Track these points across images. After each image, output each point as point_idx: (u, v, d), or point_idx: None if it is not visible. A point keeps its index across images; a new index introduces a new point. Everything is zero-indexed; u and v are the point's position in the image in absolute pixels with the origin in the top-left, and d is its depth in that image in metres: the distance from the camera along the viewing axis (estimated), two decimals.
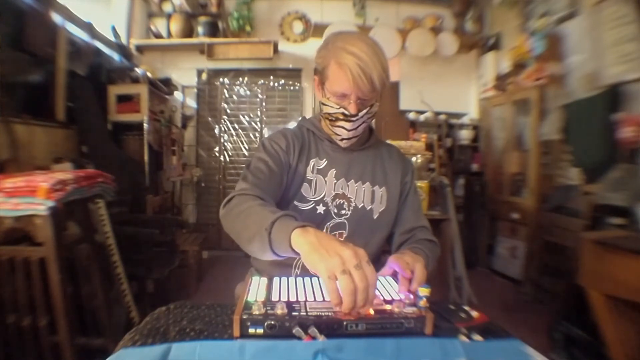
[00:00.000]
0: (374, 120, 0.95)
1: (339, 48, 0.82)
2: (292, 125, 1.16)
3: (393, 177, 0.98)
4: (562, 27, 2.77)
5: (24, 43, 1.99)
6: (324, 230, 0.90)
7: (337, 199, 0.92)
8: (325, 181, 0.92)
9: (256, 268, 0.99)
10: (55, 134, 2.24)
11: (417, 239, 0.93)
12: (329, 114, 0.89)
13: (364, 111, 0.85)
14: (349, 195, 0.93)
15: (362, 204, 0.93)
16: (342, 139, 0.91)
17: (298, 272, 0.91)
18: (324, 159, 0.94)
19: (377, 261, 1.00)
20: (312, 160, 0.93)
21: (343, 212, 0.92)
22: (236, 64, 3.61)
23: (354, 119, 0.85)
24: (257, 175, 0.84)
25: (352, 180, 0.94)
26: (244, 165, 3.82)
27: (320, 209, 0.90)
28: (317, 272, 0.55)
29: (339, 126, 0.88)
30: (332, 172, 0.93)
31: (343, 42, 0.83)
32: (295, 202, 0.90)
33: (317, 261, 0.55)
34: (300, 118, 1.03)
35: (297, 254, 0.59)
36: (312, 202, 0.90)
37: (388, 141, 1.11)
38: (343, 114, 0.85)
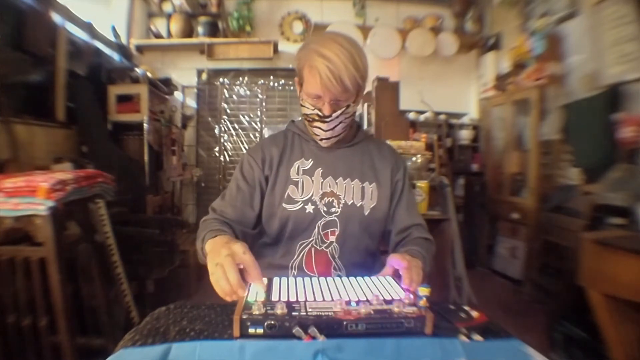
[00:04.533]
0: (366, 118, 0.96)
1: (312, 51, 0.84)
2: None
3: (383, 173, 0.98)
4: (562, 27, 2.76)
5: (24, 43, 1.99)
6: (315, 230, 0.91)
7: (326, 197, 0.92)
8: (312, 181, 0.93)
9: None
10: (55, 134, 2.24)
11: (412, 238, 0.93)
12: (306, 114, 0.91)
13: (339, 112, 0.86)
14: (337, 193, 0.93)
15: (352, 201, 0.93)
16: (321, 139, 0.93)
17: (295, 273, 0.92)
18: (310, 160, 0.95)
19: (376, 260, 1.00)
20: (296, 162, 0.94)
21: (333, 209, 0.92)
22: (236, 64, 3.61)
23: (327, 119, 0.87)
24: (226, 199, 0.95)
25: (340, 177, 0.94)
26: None
27: (309, 208, 0.91)
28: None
29: (315, 127, 0.90)
30: (319, 171, 0.94)
31: (317, 44, 0.84)
32: (284, 205, 0.91)
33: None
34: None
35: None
36: (300, 202, 0.91)
37: (388, 141, 1.11)
38: (318, 115, 0.87)
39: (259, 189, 0.94)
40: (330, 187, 0.93)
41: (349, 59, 0.82)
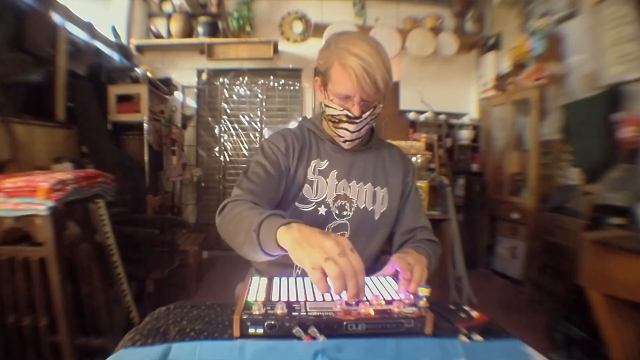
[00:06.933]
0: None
1: (342, 49, 0.82)
2: (292, 125, 1.15)
3: (394, 178, 0.97)
4: (562, 27, 2.76)
5: (24, 43, 1.98)
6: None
7: (339, 200, 0.91)
8: (327, 182, 0.91)
9: (256, 268, 0.99)
10: (55, 134, 2.24)
11: (418, 239, 0.93)
12: (332, 115, 0.88)
13: (368, 113, 0.85)
14: (350, 196, 0.92)
15: (363, 205, 0.93)
16: (345, 141, 0.91)
17: (299, 272, 0.91)
18: (325, 160, 0.93)
19: (377, 261, 1.00)
20: (313, 162, 0.92)
21: (345, 213, 0.91)
22: (236, 64, 3.61)
23: (357, 120, 0.85)
24: (253, 180, 0.83)
25: (354, 181, 0.93)
26: (244, 166, 3.83)
27: (322, 210, 0.90)
28: (302, 266, 0.55)
29: (342, 128, 0.88)
30: (334, 173, 0.92)
31: (346, 42, 0.82)
32: (297, 204, 0.90)
33: (301, 255, 0.55)
34: (300, 118, 1.03)
35: (285, 250, 0.59)
36: (314, 203, 0.90)
37: (388, 141, 1.11)
38: (347, 115, 0.85)
39: (285, 174, 0.89)
40: (343, 190, 0.92)
41: (380, 59, 0.80)
